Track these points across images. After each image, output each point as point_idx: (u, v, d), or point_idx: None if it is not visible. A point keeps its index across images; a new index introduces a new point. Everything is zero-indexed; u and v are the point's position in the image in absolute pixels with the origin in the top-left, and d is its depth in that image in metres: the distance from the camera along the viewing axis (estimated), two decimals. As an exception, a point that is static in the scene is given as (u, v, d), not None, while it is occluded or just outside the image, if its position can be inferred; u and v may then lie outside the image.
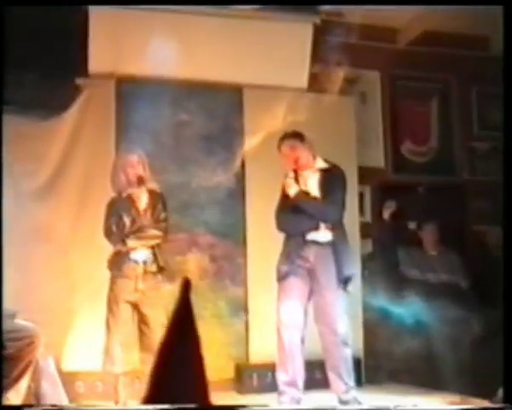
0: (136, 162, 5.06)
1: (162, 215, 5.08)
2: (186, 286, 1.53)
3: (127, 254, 4.93)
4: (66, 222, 5.69)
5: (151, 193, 5.10)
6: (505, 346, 3.18)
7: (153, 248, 5.00)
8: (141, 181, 5.01)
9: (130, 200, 5.02)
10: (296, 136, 4.99)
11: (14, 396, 4.05)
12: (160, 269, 5.01)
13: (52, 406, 3.88)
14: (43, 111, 5.67)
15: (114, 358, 4.83)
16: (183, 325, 1.52)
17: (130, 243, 4.93)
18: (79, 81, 5.85)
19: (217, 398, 1.30)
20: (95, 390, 5.51)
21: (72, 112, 5.85)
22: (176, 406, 1.47)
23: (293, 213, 4.84)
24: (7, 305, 4.20)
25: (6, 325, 4.09)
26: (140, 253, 4.95)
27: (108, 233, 4.99)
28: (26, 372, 4.03)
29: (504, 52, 3.68)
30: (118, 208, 4.99)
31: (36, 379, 4.08)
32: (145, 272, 4.95)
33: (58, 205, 5.71)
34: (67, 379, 4.90)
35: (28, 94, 5.52)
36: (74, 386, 5.40)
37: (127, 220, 4.95)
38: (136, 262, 4.93)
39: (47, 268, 5.58)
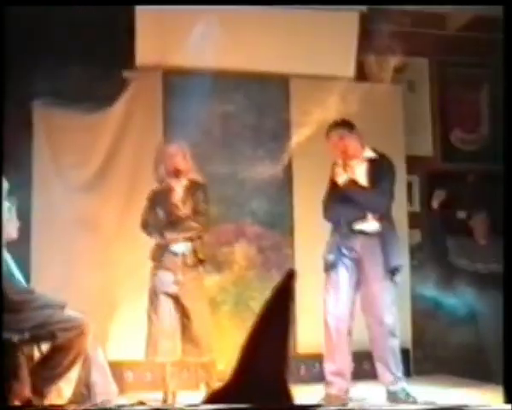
0: (174, 153, 5.06)
1: (202, 207, 5.03)
2: (290, 277, 1.51)
3: (166, 246, 4.94)
4: (113, 214, 5.76)
5: (192, 184, 5.08)
6: (505, 345, 3.16)
7: (192, 240, 4.97)
8: (178, 172, 5.02)
9: (168, 191, 5.02)
10: (345, 125, 4.97)
11: (66, 386, 4.14)
12: (200, 261, 5.00)
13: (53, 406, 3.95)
14: (90, 104, 5.74)
15: (157, 348, 4.86)
16: (278, 314, 1.49)
17: (168, 235, 4.93)
18: (126, 74, 5.90)
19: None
20: (143, 380, 5.58)
21: (120, 104, 5.91)
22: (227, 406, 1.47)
23: (341, 203, 4.81)
24: (53, 294, 4.29)
25: (56, 315, 4.17)
26: (179, 245, 4.95)
27: (144, 225, 5.03)
28: (77, 362, 4.10)
29: (504, 52, 3.67)
30: (155, 200, 5.01)
31: (86, 369, 4.13)
32: (184, 264, 4.94)
33: (105, 197, 5.79)
34: (116, 369, 4.95)
35: (76, 87, 5.60)
36: (123, 376, 5.49)
37: (161, 212, 4.96)
38: (175, 254, 4.93)
39: (92, 259, 5.65)
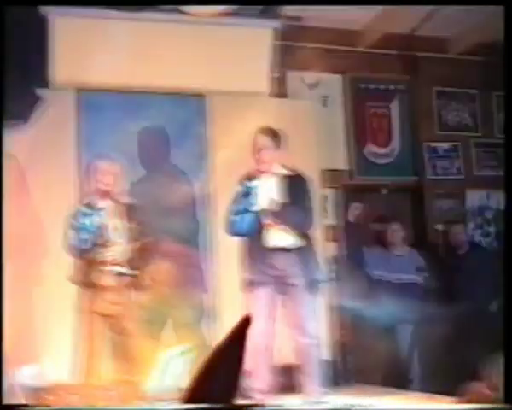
0: (106, 170, 4.93)
1: (130, 226, 4.93)
2: (245, 323, 1.58)
3: (97, 266, 4.80)
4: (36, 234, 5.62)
5: (118, 203, 4.96)
6: (505, 345, 3.17)
7: (123, 259, 4.88)
8: (108, 190, 4.89)
9: (95, 210, 4.86)
10: (271, 134, 4.92)
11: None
12: (133, 280, 4.91)
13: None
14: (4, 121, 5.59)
15: (89, 369, 4.73)
16: (231, 355, 1.63)
17: (98, 255, 4.81)
18: (40, 92, 5.79)
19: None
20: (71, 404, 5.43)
21: (33, 122, 5.78)
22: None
23: (255, 219, 4.79)
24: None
25: None
26: (112, 265, 4.85)
27: (70, 248, 4.84)
28: None
29: (504, 52, 3.69)
30: (82, 219, 4.82)
31: None
32: (118, 284, 4.84)
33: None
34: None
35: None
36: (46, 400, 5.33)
37: (87, 233, 4.78)
38: (108, 274, 4.81)
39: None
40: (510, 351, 3.11)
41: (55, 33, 5.75)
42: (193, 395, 1.50)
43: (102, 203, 4.89)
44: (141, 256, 4.99)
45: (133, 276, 4.93)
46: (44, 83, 5.80)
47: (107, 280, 4.81)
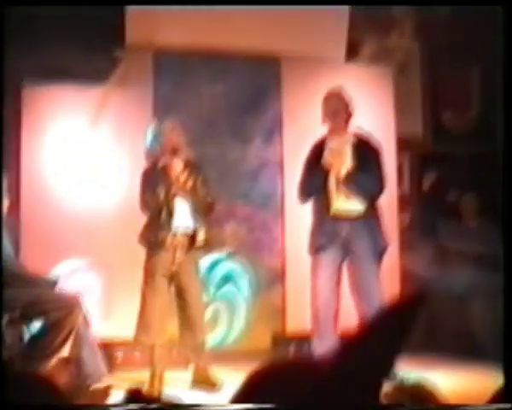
0: (170, 130, 4.99)
1: (199, 185, 4.91)
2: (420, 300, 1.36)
3: (164, 225, 4.82)
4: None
5: (189, 164, 4.96)
6: (505, 345, 3.19)
7: (194, 216, 4.87)
8: (175, 150, 4.90)
9: (165, 170, 4.88)
10: (341, 96, 4.97)
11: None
12: (200, 241, 4.88)
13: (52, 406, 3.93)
14: (81, 82, 5.71)
15: (148, 329, 4.78)
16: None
17: (167, 214, 4.81)
18: (117, 53, 5.87)
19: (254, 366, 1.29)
20: (133, 359, 5.58)
21: (111, 83, 5.88)
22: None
23: (325, 186, 4.82)
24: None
25: (47, 294, 4.17)
26: (183, 220, 4.84)
27: (145, 207, 4.89)
28: (68, 341, 4.09)
29: (504, 52, 3.70)
30: (152, 179, 4.86)
31: (77, 347, 4.11)
32: (183, 244, 4.84)
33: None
34: (106, 347, 4.99)
35: (67, 65, 5.58)
36: (113, 355, 5.49)
37: (162, 190, 4.80)
38: (174, 234, 4.82)
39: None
40: (510, 347, 3.12)
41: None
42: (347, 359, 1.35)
43: (171, 163, 4.91)
44: (208, 211, 5.02)
45: (199, 233, 4.90)
46: (122, 44, 5.88)
47: (174, 240, 4.82)
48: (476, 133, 7.05)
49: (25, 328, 4.22)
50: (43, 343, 4.07)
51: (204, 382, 4.77)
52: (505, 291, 3.40)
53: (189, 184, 4.87)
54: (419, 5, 6.16)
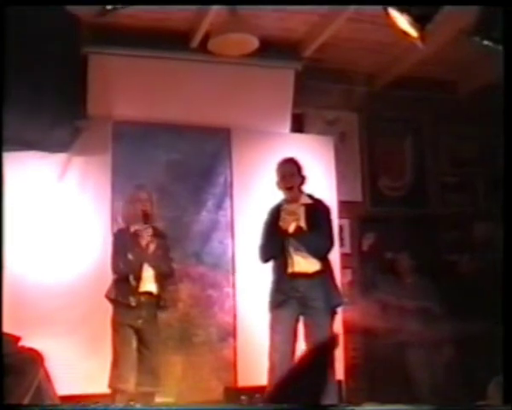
0: (145, 198, 5.39)
1: (165, 254, 5.42)
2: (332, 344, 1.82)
3: (132, 288, 5.22)
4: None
5: (155, 231, 5.39)
6: (505, 345, 3.16)
7: (157, 281, 5.31)
8: (147, 217, 5.33)
9: (137, 236, 5.31)
10: (295, 164, 5.31)
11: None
12: (161, 300, 5.35)
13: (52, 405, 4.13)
14: (44, 151, 6.00)
15: (121, 377, 5.11)
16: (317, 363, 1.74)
17: (134, 279, 5.23)
18: (78, 123, 6.19)
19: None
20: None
21: (72, 151, 6.18)
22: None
23: (283, 247, 5.13)
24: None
25: (10, 348, 4.26)
26: (149, 285, 5.28)
27: (117, 268, 5.30)
28: (28, 394, 4.19)
29: (504, 52, 3.70)
30: (125, 244, 5.29)
31: (38, 401, 4.23)
32: (148, 305, 5.28)
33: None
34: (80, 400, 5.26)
35: (30, 135, 5.82)
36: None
37: (132, 257, 5.24)
38: (139, 298, 5.22)
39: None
40: (510, 351, 3.10)
41: (92, 70, 6.18)
42: (277, 394, 1.69)
43: (145, 229, 5.33)
44: (169, 277, 5.47)
45: (161, 295, 5.37)
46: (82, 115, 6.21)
47: (138, 299, 5.24)
48: (410, 197, 7.53)
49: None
50: (5, 394, 3.96)
51: None
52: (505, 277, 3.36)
53: (158, 253, 5.33)
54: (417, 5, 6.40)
